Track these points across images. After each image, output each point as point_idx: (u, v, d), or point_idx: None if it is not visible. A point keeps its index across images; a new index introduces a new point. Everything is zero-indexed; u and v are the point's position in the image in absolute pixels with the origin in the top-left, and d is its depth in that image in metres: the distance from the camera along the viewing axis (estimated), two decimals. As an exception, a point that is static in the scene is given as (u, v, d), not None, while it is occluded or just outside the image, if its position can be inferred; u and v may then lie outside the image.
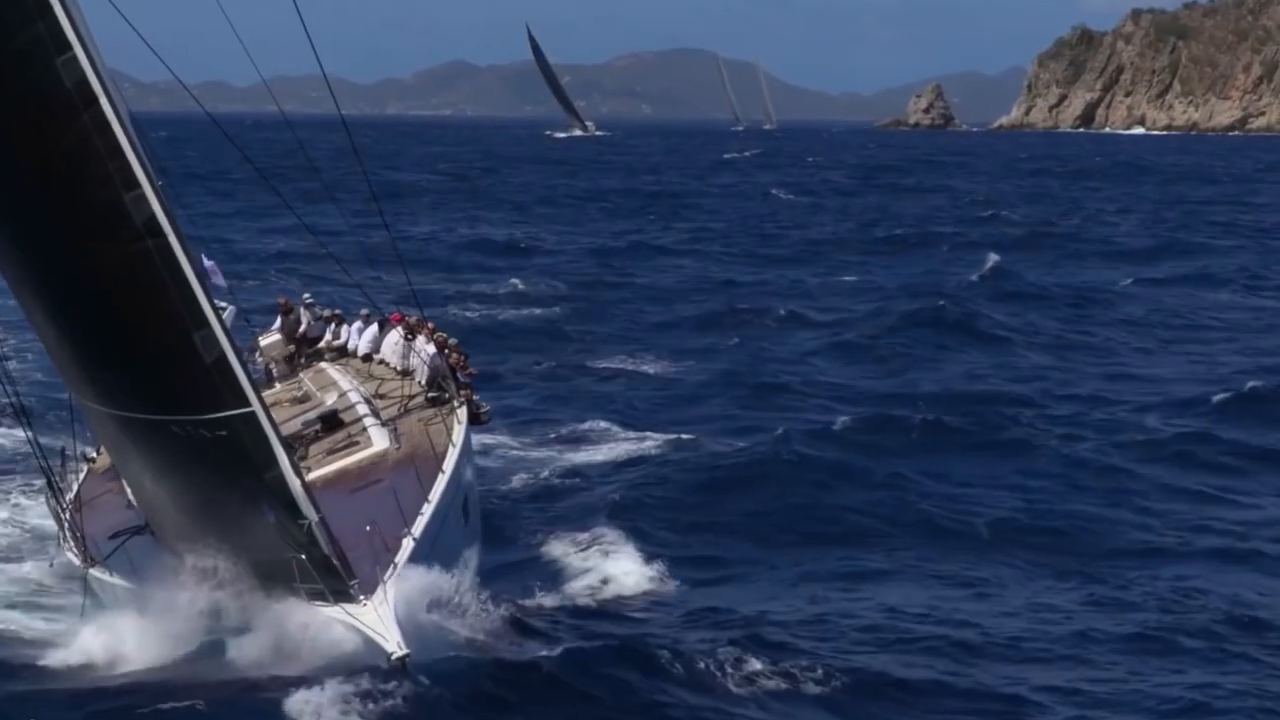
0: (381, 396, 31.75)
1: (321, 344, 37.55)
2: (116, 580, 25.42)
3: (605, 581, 30.64)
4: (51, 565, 29.18)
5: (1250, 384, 49.55)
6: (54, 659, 25.14)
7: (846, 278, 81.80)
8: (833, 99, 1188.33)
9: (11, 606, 28.90)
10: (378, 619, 21.36)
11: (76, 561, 27.11)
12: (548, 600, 28.78)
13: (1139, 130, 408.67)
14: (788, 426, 42.99)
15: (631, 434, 43.85)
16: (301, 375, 35.95)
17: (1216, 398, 48.25)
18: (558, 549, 32.96)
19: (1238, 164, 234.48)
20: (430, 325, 32.93)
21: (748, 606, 28.99)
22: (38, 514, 33.53)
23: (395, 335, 33.53)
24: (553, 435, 44.14)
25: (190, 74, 27.29)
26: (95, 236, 20.92)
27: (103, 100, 20.47)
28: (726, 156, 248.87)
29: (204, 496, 22.85)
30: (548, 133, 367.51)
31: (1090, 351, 59.87)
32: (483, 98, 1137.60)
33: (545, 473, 39.45)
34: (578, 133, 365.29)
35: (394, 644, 21.18)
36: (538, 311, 68.27)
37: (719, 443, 42.12)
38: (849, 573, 31.83)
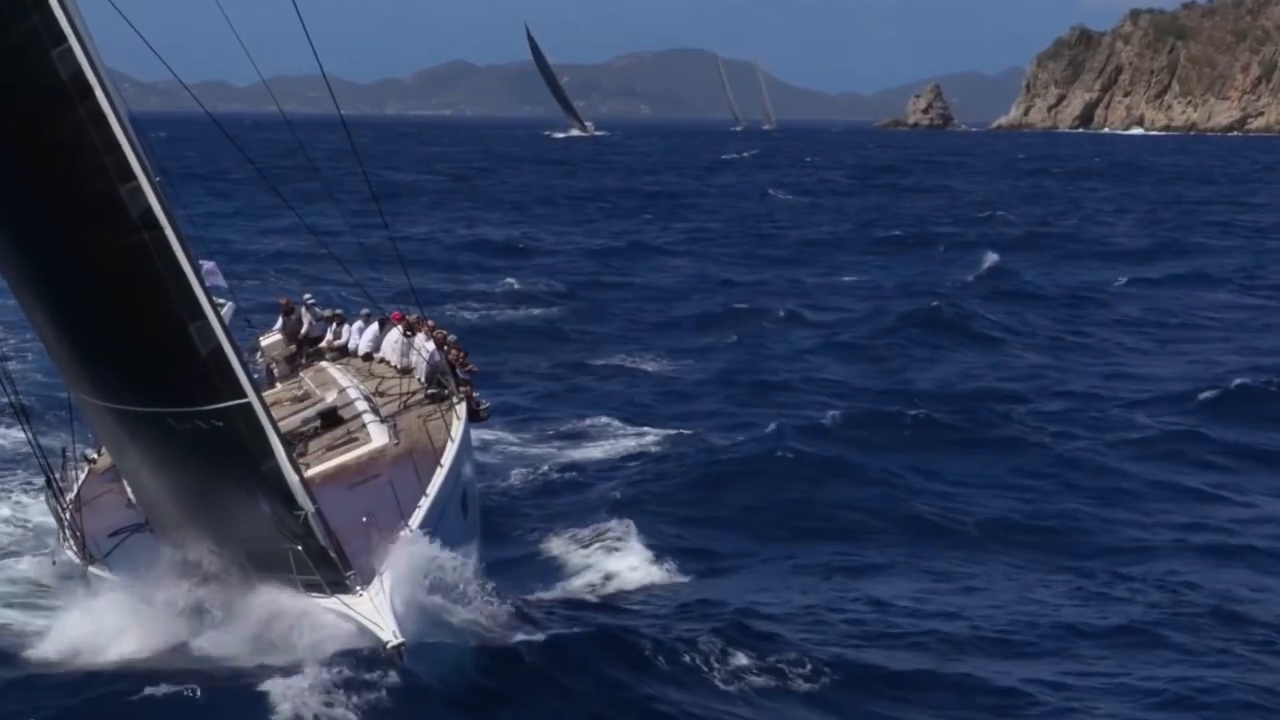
0: (381, 394, 31.85)
1: (323, 344, 37.59)
2: (115, 577, 25.55)
3: (601, 576, 31.12)
4: (54, 564, 29.27)
5: (1243, 382, 49.90)
6: (44, 648, 25.13)
7: (844, 278, 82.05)
8: (832, 99, 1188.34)
9: (11, 605, 29.02)
10: (373, 609, 21.44)
11: (76, 560, 27.24)
12: (543, 594, 29.04)
13: (1138, 130, 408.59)
14: (785, 423, 43.26)
15: (630, 431, 44.23)
16: (302, 375, 36.04)
17: (1210, 396, 48.62)
18: (555, 544, 33.40)
19: (1236, 164, 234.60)
20: (430, 323, 33.11)
21: (743, 601, 29.22)
22: (38, 511, 33.69)
23: (395, 334, 33.64)
24: (552, 432, 44.47)
25: (189, 74, 27.31)
26: (91, 229, 20.91)
27: (98, 92, 20.44)
28: (725, 157, 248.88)
29: (201, 489, 22.86)
30: (546, 133, 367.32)
31: (1086, 351, 60.15)
32: (482, 98, 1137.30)
33: (544, 468, 39.81)
34: (576, 133, 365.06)
35: (389, 633, 21.23)
36: (536, 311, 68.52)
37: (717, 439, 42.44)
38: (843, 567, 32.16)
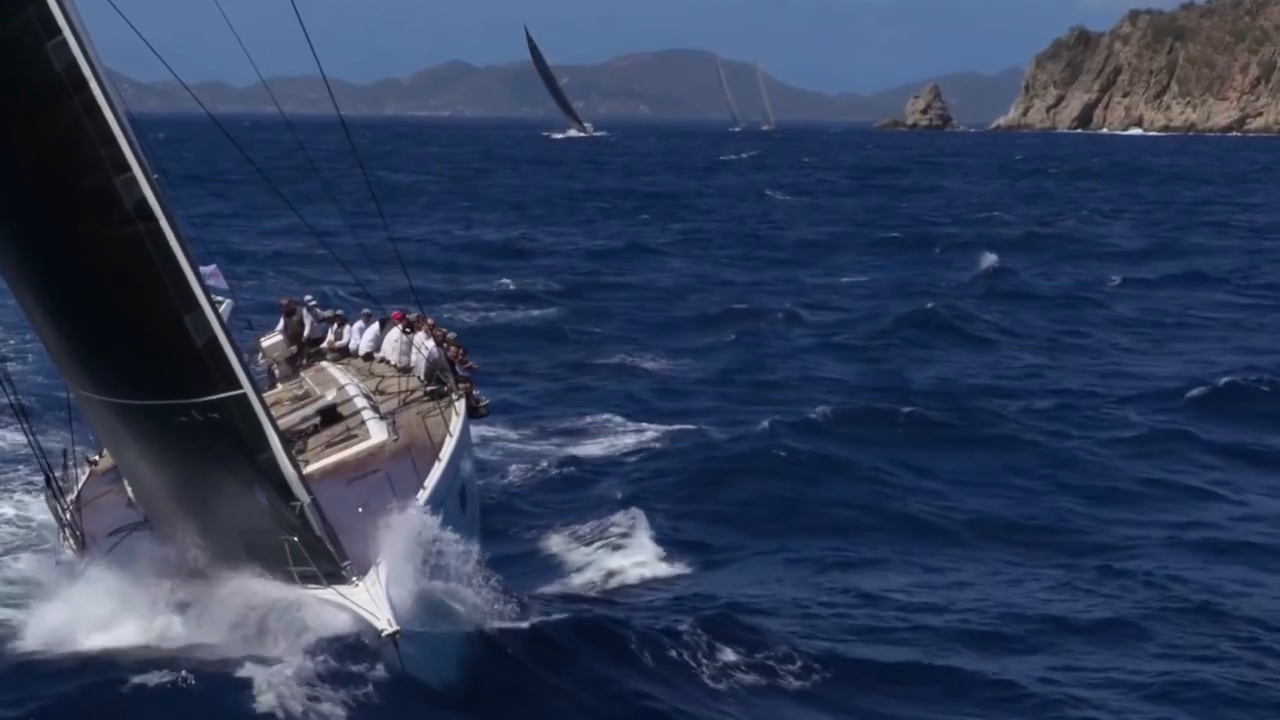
0: (381, 393, 31.93)
1: (323, 345, 37.57)
2: (106, 568, 25.63)
3: (597, 571, 31.53)
4: (58, 564, 29.31)
5: (1236, 381, 50.17)
6: (29, 637, 25.16)
7: (842, 278, 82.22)
8: (831, 99, 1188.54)
9: (10, 604, 29.07)
10: (369, 599, 21.52)
11: (76, 559, 27.28)
12: (539, 588, 29.25)
13: (1136, 131, 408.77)
14: (782, 421, 43.52)
15: (629, 429, 44.58)
16: (302, 375, 36.08)
17: (1203, 395, 48.97)
18: (552, 539, 33.79)
19: (1234, 164, 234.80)
20: (430, 321, 33.23)
21: (739, 596, 29.52)
22: (40, 509, 33.78)
23: (395, 332, 33.71)
24: (551, 430, 44.77)
25: (188, 75, 27.27)
26: (86, 221, 20.90)
27: (92, 84, 20.43)
28: (724, 158, 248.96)
29: (198, 482, 22.87)
30: (545, 134, 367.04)
31: (1082, 351, 60.38)
32: (481, 98, 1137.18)
33: (543, 465, 40.14)
34: (575, 133, 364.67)
35: (384, 621, 21.29)
36: (535, 312, 68.71)
37: (714, 437, 42.71)
38: (837, 562, 32.46)
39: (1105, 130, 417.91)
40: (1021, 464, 40.57)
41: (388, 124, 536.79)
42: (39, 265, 21.62)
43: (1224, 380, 50.12)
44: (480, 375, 34.72)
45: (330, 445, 28.94)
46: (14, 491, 37.26)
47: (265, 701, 21.38)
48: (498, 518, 34.21)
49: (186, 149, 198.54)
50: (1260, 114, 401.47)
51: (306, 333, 37.64)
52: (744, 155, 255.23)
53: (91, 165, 20.60)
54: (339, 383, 33.44)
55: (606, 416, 46.16)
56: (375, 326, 35.59)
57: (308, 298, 39.74)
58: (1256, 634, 28.24)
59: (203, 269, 23.69)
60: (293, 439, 27.32)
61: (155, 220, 20.86)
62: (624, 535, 33.31)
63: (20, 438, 30.98)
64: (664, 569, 31.61)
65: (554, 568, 31.84)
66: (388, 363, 33.96)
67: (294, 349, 37.37)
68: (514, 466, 39.91)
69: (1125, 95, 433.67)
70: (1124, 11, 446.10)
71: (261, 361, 36.66)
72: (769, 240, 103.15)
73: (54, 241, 21.23)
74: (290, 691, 21.52)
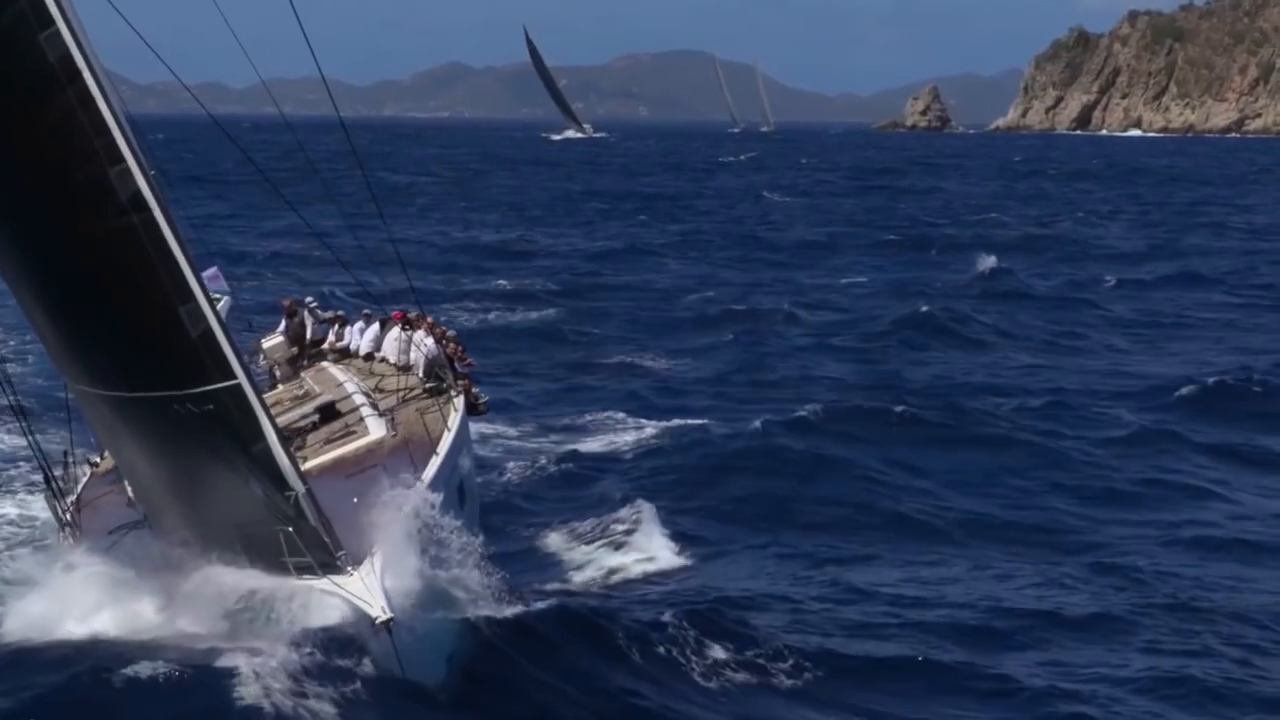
0: (381, 391, 32.05)
1: (325, 346, 37.56)
2: (102, 565, 25.65)
3: (592, 568, 31.90)
4: (58, 563, 29.34)
5: (1230, 381, 50.57)
6: (13, 626, 25.16)
7: (839, 279, 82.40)
8: (830, 100, 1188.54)
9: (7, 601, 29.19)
10: (364, 587, 21.55)
11: (74, 558, 27.35)
12: (534, 584, 29.34)
13: (1135, 132, 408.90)
14: (779, 420, 43.87)
15: (628, 428, 44.93)
16: (303, 375, 36.16)
17: (1197, 395, 49.31)
18: (548, 535, 34.17)
19: (1232, 166, 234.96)
20: (429, 320, 33.39)
21: (733, 592, 29.82)
22: (41, 508, 33.93)
23: (395, 332, 33.84)
24: (549, 428, 45.10)
25: (187, 76, 27.25)
26: (81, 213, 20.85)
27: (86, 75, 20.37)
28: (723, 159, 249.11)
29: (194, 475, 22.87)
30: (543, 135, 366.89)
31: (1077, 352, 60.66)
32: (480, 100, 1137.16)
33: (541, 462, 40.40)
34: (574, 134, 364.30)
35: (378, 609, 21.32)
36: (534, 313, 68.90)
37: (712, 436, 42.97)
38: (831, 559, 32.80)
39: (1104, 131, 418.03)
40: (1014, 463, 40.89)
41: (387, 125, 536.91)
42: (34, 257, 21.59)
43: (1217, 380, 50.50)
44: (480, 375, 34.95)
45: (329, 442, 29.04)
46: (16, 492, 37.39)
47: (252, 692, 21.44)
48: (496, 514, 34.47)
49: (185, 150, 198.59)
50: (1259, 115, 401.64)
51: (309, 335, 37.71)
52: (743, 157, 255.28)
53: (86, 157, 20.54)
54: (338, 382, 33.59)
55: (605, 415, 46.51)
56: (375, 327, 35.63)
57: (308, 299, 39.76)
58: (1245, 630, 28.58)
59: (204, 271, 23.78)
60: (291, 436, 27.43)
61: (150, 211, 20.83)
62: (620, 532, 33.70)
63: (22, 439, 31.01)
64: (659, 565, 31.96)
65: (550, 563, 32.17)
66: (388, 362, 34.08)
67: (295, 350, 37.34)
68: (513, 464, 40.21)
69: (1124, 96, 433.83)
70: (1123, 13, 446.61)
71: (263, 363, 36.63)
72: (767, 241, 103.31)
73: (49, 233, 21.21)
74: (278, 683, 21.59)
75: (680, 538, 33.58)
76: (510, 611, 24.85)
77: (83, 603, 24.92)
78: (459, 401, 29.78)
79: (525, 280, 79.49)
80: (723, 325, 65.09)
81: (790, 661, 25.90)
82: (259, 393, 22.10)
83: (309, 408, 31.36)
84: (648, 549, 32.73)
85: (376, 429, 28.90)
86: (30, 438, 28.39)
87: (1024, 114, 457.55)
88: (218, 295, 26.67)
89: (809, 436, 42.22)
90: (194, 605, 23.71)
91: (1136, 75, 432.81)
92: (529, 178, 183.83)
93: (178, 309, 21.13)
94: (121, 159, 20.67)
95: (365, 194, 34.19)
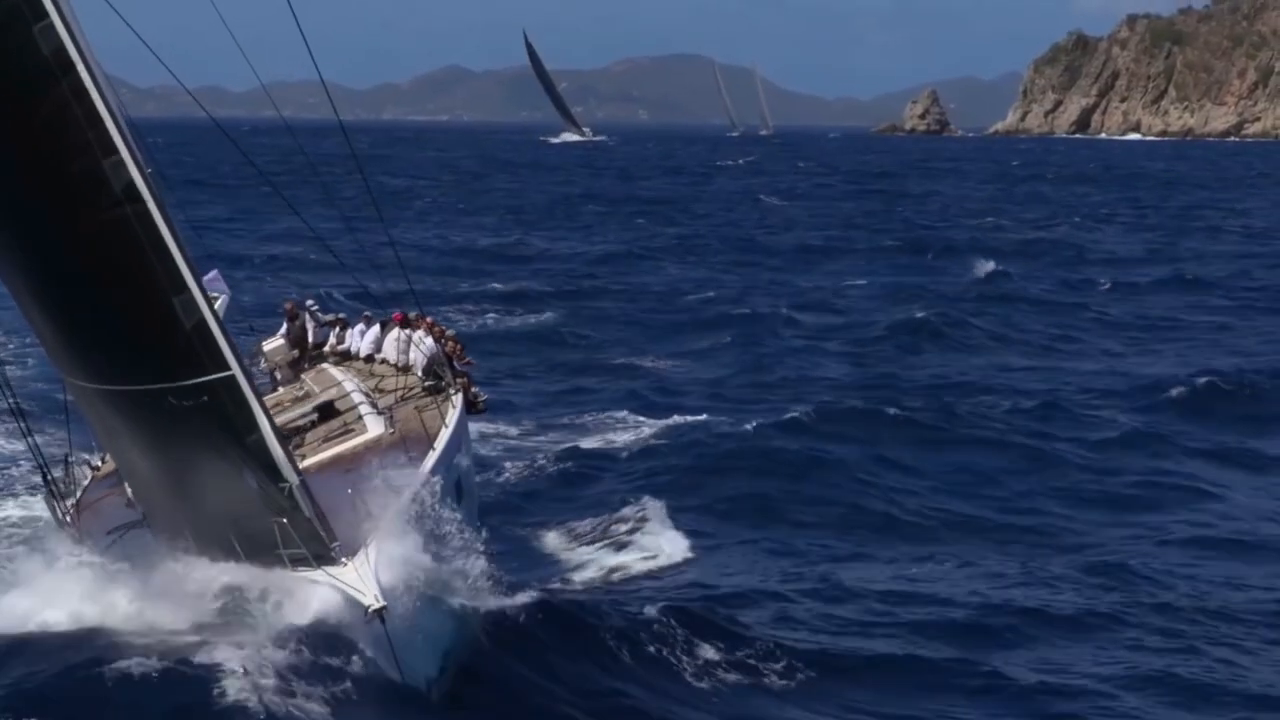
0: (380, 391, 32.12)
1: (325, 348, 37.38)
2: (93, 561, 25.69)
3: (588, 565, 32.24)
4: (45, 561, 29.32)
5: (1223, 383, 50.89)
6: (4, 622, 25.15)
7: (837, 282, 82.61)
8: (829, 104, 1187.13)
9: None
10: (357, 577, 21.61)
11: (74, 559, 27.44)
12: (528, 580, 29.17)
13: (1134, 136, 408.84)
14: (775, 422, 44.31)
15: (626, 428, 45.30)
16: (303, 377, 36.23)
17: (1190, 397, 49.64)
18: (545, 533, 34.58)
19: (1231, 169, 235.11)
20: (429, 319, 33.56)
21: (728, 589, 30.17)
22: (42, 508, 34.14)
23: (395, 332, 33.97)
24: (548, 429, 45.42)
25: (186, 80, 27.33)
26: (75, 204, 20.89)
27: (79, 67, 20.39)
28: (721, 163, 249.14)
29: (189, 468, 22.84)
30: (542, 138, 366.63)
31: (1073, 355, 60.97)
32: (479, 103, 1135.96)
33: (540, 461, 40.79)
34: (573, 137, 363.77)
35: (371, 597, 21.36)
36: (532, 316, 69.11)
37: (709, 437, 43.30)
38: (825, 557, 33.19)
39: (1103, 135, 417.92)
40: (1007, 463, 41.27)
41: (386, 128, 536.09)
42: (28, 250, 21.61)
43: (1210, 382, 50.78)
44: (478, 377, 35.17)
45: (327, 440, 29.14)
46: (19, 494, 37.56)
47: (241, 689, 21.51)
48: (494, 512, 34.67)
49: (185, 153, 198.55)
50: (1258, 119, 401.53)
51: (311, 338, 37.76)
52: (741, 161, 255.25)
53: (80, 148, 20.58)
54: (337, 382, 33.72)
55: (604, 416, 46.89)
56: (375, 329, 35.68)
57: (309, 302, 39.81)
58: (1233, 629, 28.91)
59: (205, 274, 23.90)
60: (290, 435, 27.57)
61: (143, 202, 20.88)
62: (617, 530, 34.13)
63: (22, 437, 31.13)
64: (655, 564, 32.26)
65: (546, 561, 32.48)
66: (388, 363, 34.19)
67: (296, 353, 37.29)
68: (511, 463, 40.59)
69: (1123, 100, 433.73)
70: (1122, 16, 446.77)
71: (263, 366, 36.60)
72: (765, 245, 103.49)
73: (43, 225, 21.23)
74: (266, 679, 21.67)
75: (676, 537, 33.87)
76: (505, 608, 25.00)
77: (67, 598, 24.95)
78: (457, 399, 29.95)
79: (524, 283, 79.71)
80: (720, 328, 65.34)
81: (783, 658, 26.16)
82: (253, 384, 22.12)
83: (307, 406, 31.52)
84: (643, 548, 33.07)
85: (375, 427, 28.95)
86: (29, 439, 28.50)
87: (1023, 118, 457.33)
88: (216, 295, 26.73)
89: (804, 437, 42.61)
90: (177, 600, 23.78)
91: (1135, 79, 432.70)
92: (528, 181, 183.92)
93: (171, 300, 21.16)
94: (115, 150, 20.73)
95: (364, 197, 34.32)
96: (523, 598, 25.70)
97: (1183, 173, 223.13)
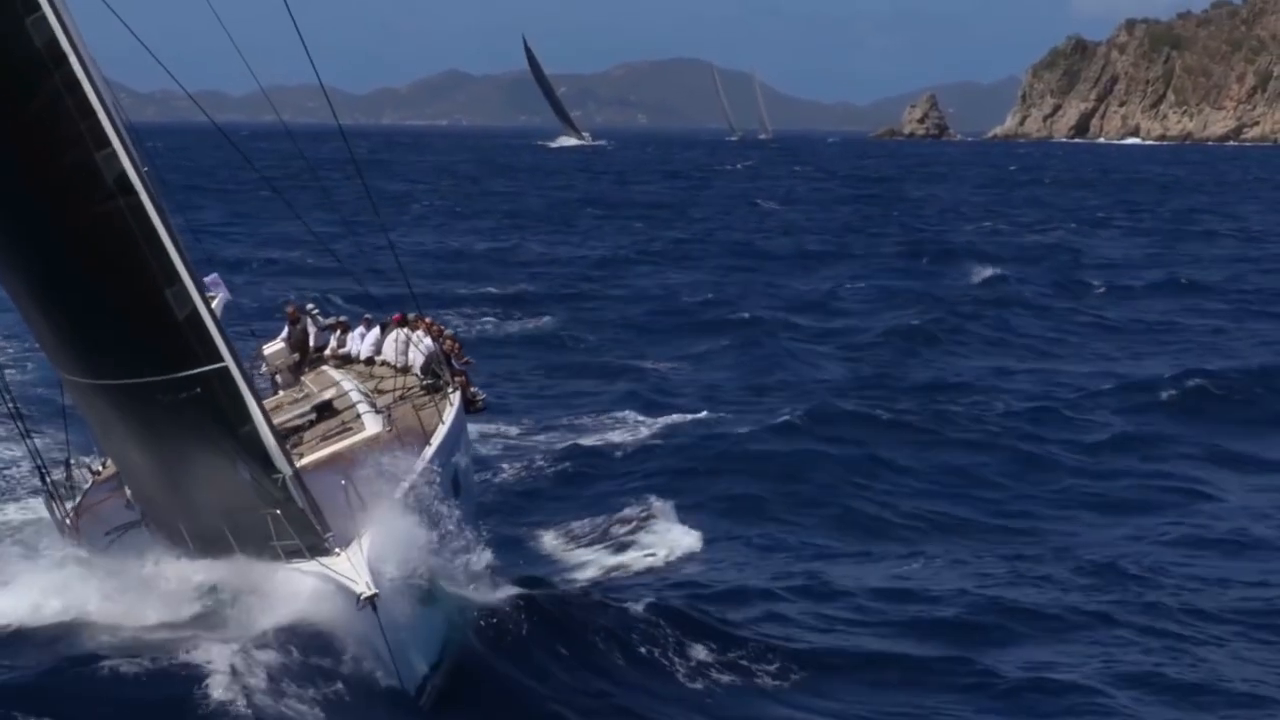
0: (380, 392, 32.21)
1: (326, 352, 37.22)
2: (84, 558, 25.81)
3: (583, 563, 32.59)
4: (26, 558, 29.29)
5: (1217, 385, 51.18)
6: None
7: (834, 286, 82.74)
8: (828, 108, 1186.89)
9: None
10: (350, 567, 21.61)
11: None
12: (522, 578, 29.56)
13: (1133, 140, 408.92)
14: (772, 423, 44.79)
15: (623, 430, 45.63)
16: (303, 379, 36.28)
17: (1184, 398, 49.99)
18: (541, 532, 34.91)
19: (1229, 174, 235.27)
20: (428, 320, 33.72)
21: (724, 587, 30.47)
22: (42, 511, 34.33)
23: (394, 334, 34.08)
24: (545, 430, 45.72)
25: (184, 84, 27.35)
26: (68, 197, 20.83)
27: (72, 59, 20.38)
28: (720, 167, 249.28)
29: (183, 461, 22.87)
30: (540, 142, 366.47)
31: (1069, 358, 61.17)
32: (478, 107, 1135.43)
33: (538, 462, 41.17)
34: (571, 142, 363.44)
35: (363, 585, 21.36)
36: (530, 320, 69.25)
37: (706, 438, 43.70)
38: (819, 556, 33.54)
39: (1102, 140, 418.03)
40: (1000, 464, 41.62)
41: (385, 133, 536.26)
42: (21, 243, 21.62)
43: (1203, 385, 51.08)
44: (477, 380, 35.36)
45: (325, 438, 29.18)
46: (20, 498, 37.73)
47: (225, 683, 21.58)
48: (492, 511, 34.89)
49: (183, 158, 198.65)
50: (1256, 123, 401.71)
51: (312, 341, 37.66)
52: (740, 166, 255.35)
53: (72, 141, 20.60)
54: (336, 382, 33.85)
55: (602, 418, 47.23)
56: (376, 331, 35.71)
57: (309, 306, 39.86)
58: (1222, 628, 29.23)
59: (205, 277, 23.98)
60: (288, 434, 27.66)
61: (136, 194, 20.89)
62: (612, 530, 34.52)
63: (23, 440, 31.26)
64: (649, 563, 32.54)
65: (541, 560, 32.76)
66: (389, 365, 34.27)
67: (296, 357, 37.18)
68: (509, 463, 40.94)
69: (1122, 105, 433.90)
70: (1120, 20, 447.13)
71: (264, 370, 36.57)
72: (763, 249, 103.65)
73: (36, 219, 21.23)
74: (254, 676, 21.71)
75: (672, 537, 34.20)
76: (499, 606, 25.18)
77: (50, 593, 25.05)
78: (455, 397, 30.10)
79: (522, 287, 79.87)
80: (718, 331, 65.53)
81: (776, 658, 26.41)
82: (246, 374, 22.15)
83: (306, 406, 31.65)
84: (639, 548, 33.36)
85: (372, 425, 29.01)
86: (28, 441, 28.57)
87: (1022, 122, 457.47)
88: (212, 295, 26.76)
89: (799, 439, 43.00)
90: (164, 596, 23.88)
91: (1134, 83, 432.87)
92: (526, 185, 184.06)
93: (164, 291, 21.16)
94: (107, 142, 20.75)
95: (362, 201, 34.46)
96: (518, 596, 25.88)
97: (1180, 177, 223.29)
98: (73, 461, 31.00)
